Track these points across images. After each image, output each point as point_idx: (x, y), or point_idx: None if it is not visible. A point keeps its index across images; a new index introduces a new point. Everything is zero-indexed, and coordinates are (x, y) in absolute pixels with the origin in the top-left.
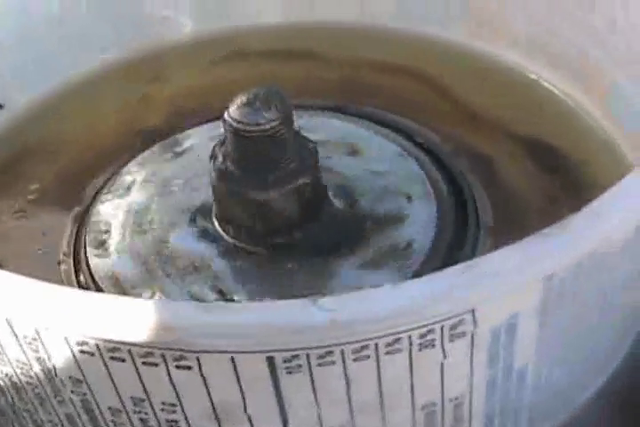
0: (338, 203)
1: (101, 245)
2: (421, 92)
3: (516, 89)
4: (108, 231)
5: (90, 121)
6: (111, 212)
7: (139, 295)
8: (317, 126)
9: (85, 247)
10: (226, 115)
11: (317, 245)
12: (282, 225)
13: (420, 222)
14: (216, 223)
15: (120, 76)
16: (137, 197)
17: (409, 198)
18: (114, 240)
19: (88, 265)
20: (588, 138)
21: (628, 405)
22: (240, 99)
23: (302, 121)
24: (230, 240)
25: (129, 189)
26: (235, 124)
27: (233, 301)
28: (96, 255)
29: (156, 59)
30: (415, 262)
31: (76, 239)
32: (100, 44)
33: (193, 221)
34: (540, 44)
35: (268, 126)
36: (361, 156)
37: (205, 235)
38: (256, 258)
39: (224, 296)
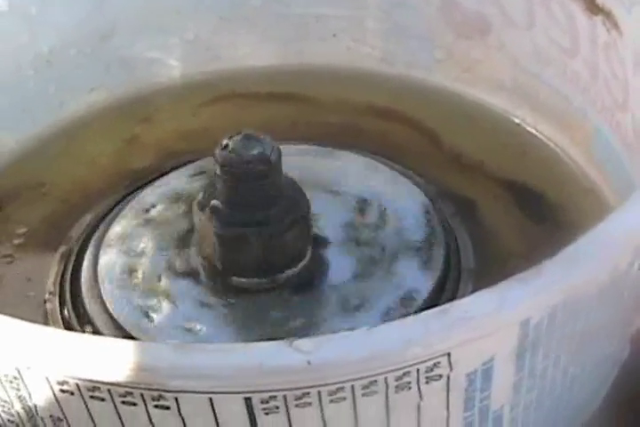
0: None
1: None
2: (406, 135)
3: (499, 133)
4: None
5: (78, 162)
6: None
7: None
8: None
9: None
10: (215, 154)
11: (301, 286)
12: (267, 265)
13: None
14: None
15: (108, 117)
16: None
17: None
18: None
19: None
20: (571, 183)
21: None
22: (228, 140)
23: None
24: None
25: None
26: (223, 162)
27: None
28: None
29: (144, 100)
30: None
31: (62, 278)
32: (88, 86)
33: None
34: (525, 89)
35: (254, 166)
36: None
37: (192, 273)
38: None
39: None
